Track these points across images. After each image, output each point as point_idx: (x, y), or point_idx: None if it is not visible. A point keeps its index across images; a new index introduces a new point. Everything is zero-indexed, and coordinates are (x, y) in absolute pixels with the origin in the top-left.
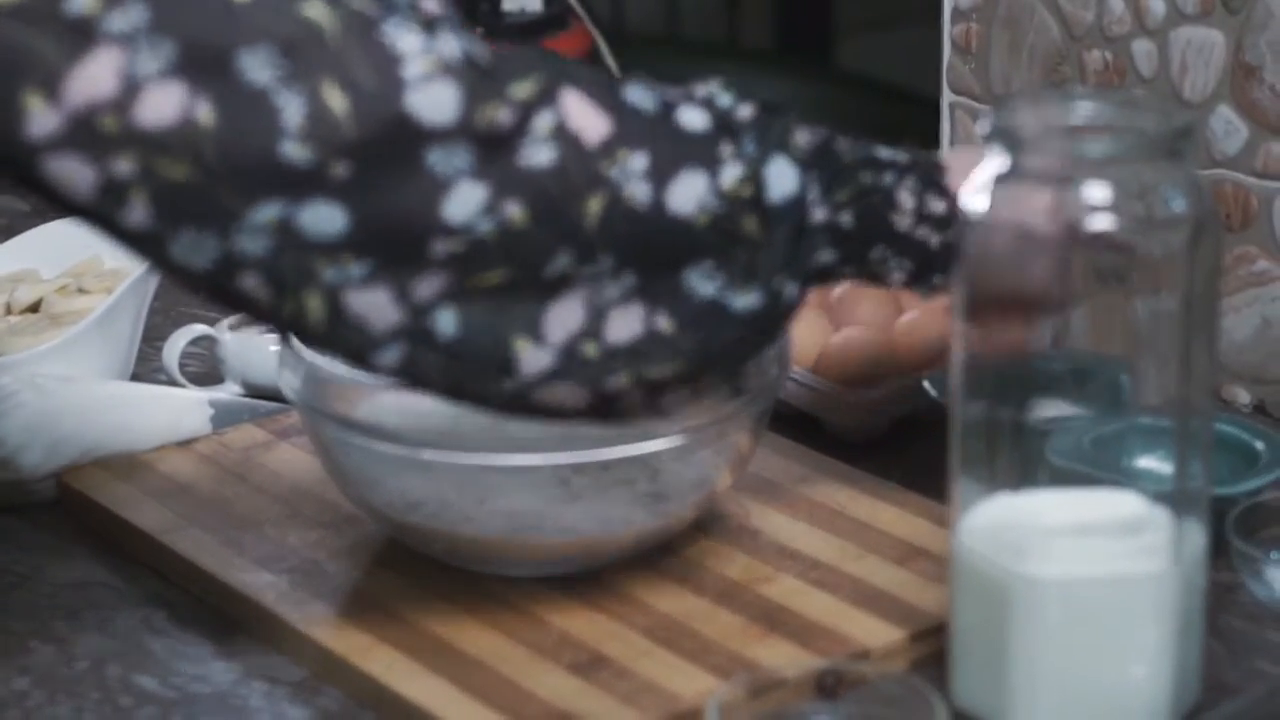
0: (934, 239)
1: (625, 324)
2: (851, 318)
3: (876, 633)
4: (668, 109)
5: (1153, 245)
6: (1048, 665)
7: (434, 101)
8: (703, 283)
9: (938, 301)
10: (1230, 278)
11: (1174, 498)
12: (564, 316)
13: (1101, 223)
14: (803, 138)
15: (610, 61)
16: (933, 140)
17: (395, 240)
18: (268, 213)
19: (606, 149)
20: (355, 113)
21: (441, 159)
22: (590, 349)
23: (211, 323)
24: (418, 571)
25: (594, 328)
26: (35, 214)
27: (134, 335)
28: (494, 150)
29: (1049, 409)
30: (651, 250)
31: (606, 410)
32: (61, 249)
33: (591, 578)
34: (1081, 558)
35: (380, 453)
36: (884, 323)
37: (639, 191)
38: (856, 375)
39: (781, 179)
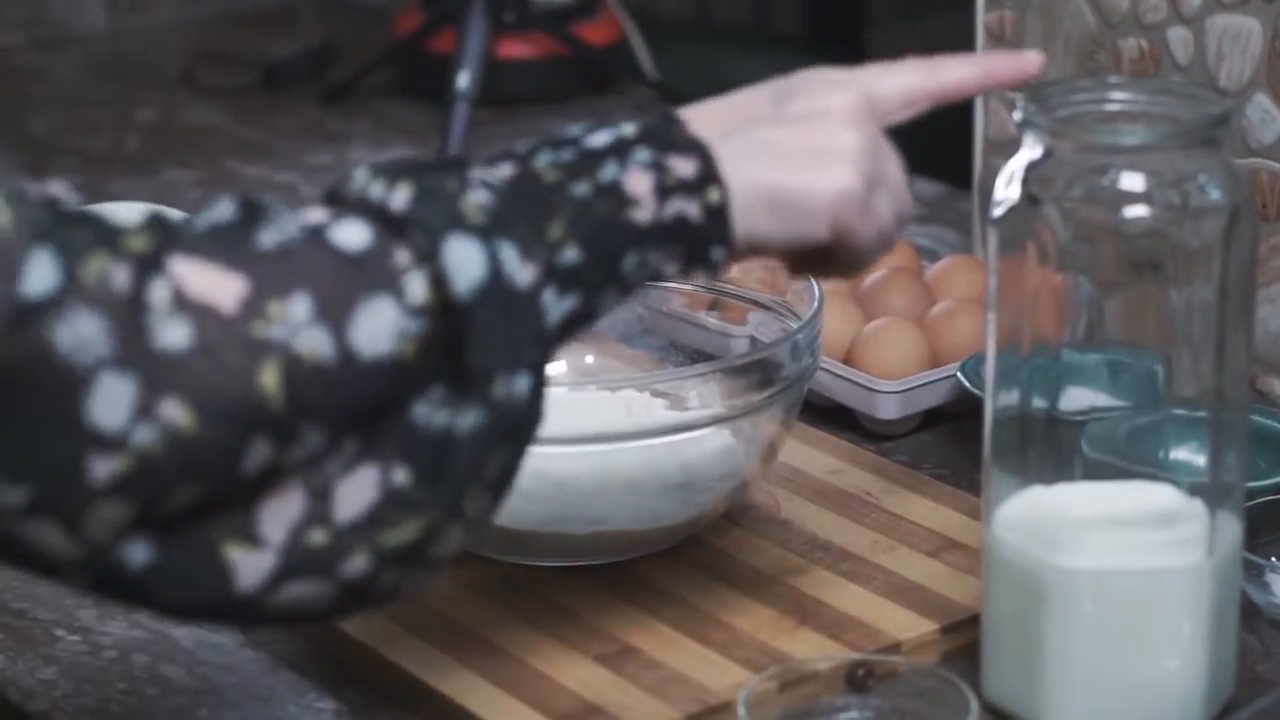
0: (693, 207)
1: (356, 495)
2: (883, 308)
3: (908, 625)
4: (315, 235)
5: (1188, 235)
6: (1081, 658)
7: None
8: (434, 414)
9: (972, 292)
10: (1266, 268)
11: (1209, 490)
12: (280, 510)
13: (1137, 211)
14: (479, 194)
15: (641, 50)
16: (966, 131)
17: (45, 461)
18: None
19: (250, 308)
20: None
21: (68, 334)
22: (318, 536)
23: None
24: None
25: (319, 511)
26: None
27: None
28: (125, 324)
29: (1083, 400)
30: (364, 403)
31: (358, 601)
32: None
33: (621, 569)
34: (1115, 550)
35: None
36: (916, 313)
37: (316, 342)
38: (888, 366)
39: (464, 263)
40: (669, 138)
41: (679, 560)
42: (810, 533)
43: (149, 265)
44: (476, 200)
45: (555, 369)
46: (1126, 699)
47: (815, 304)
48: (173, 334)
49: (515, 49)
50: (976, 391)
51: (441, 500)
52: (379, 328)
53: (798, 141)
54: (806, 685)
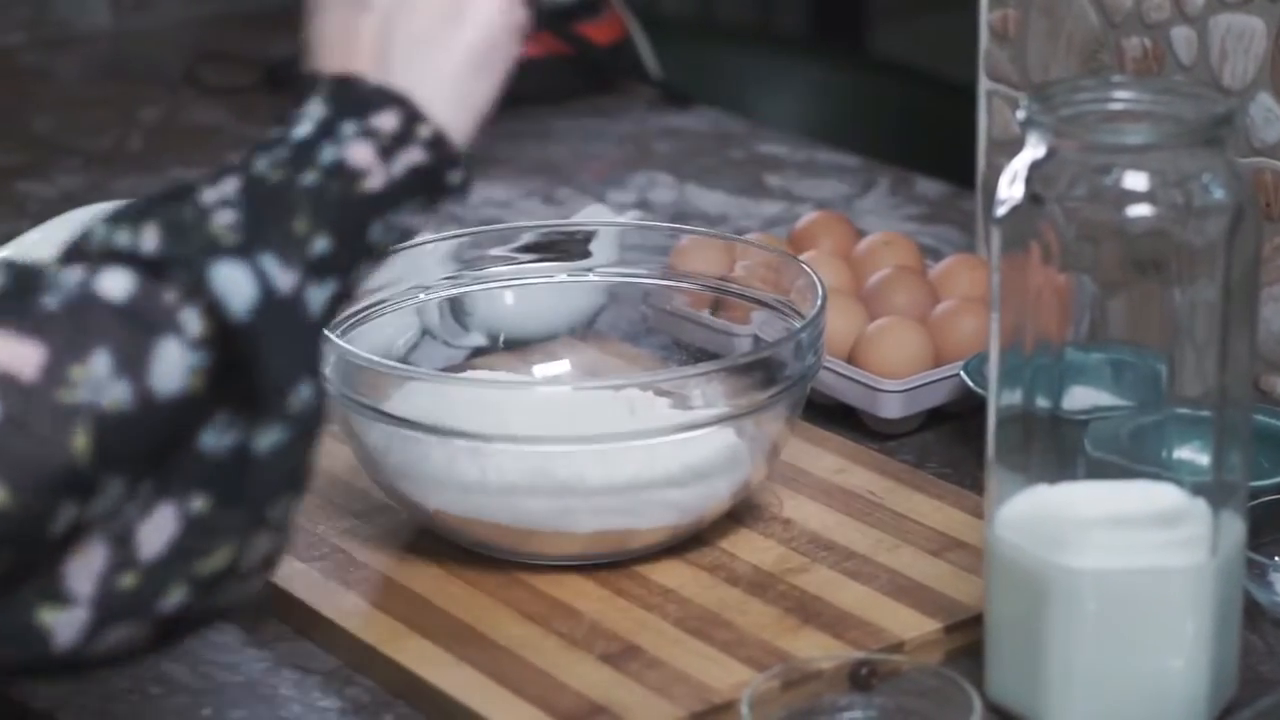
0: (416, 153)
1: (157, 531)
2: (887, 307)
3: (911, 624)
4: (86, 288)
5: (1191, 234)
6: (1084, 657)
7: None
8: (222, 438)
9: (975, 291)
10: (1270, 267)
11: (1212, 489)
12: (85, 564)
13: (1140, 211)
14: (225, 215)
15: (645, 49)
16: (970, 130)
17: None
18: None
19: (52, 375)
20: None
21: None
22: (128, 580)
23: None
24: (449, 561)
25: (124, 556)
26: (66, 199)
27: None
28: None
29: (1086, 400)
30: (159, 442)
31: (173, 637)
32: None
33: (624, 567)
34: (1119, 549)
35: (413, 441)
36: (919, 312)
37: (119, 395)
38: (892, 365)
39: (234, 286)
40: (357, 100)
41: (682, 559)
42: (813, 532)
43: None
44: (224, 221)
45: (559, 369)
46: (1129, 699)
47: (818, 303)
48: None
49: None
50: (980, 391)
51: (246, 519)
52: (171, 367)
53: (429, 12)
54: (810, 684)
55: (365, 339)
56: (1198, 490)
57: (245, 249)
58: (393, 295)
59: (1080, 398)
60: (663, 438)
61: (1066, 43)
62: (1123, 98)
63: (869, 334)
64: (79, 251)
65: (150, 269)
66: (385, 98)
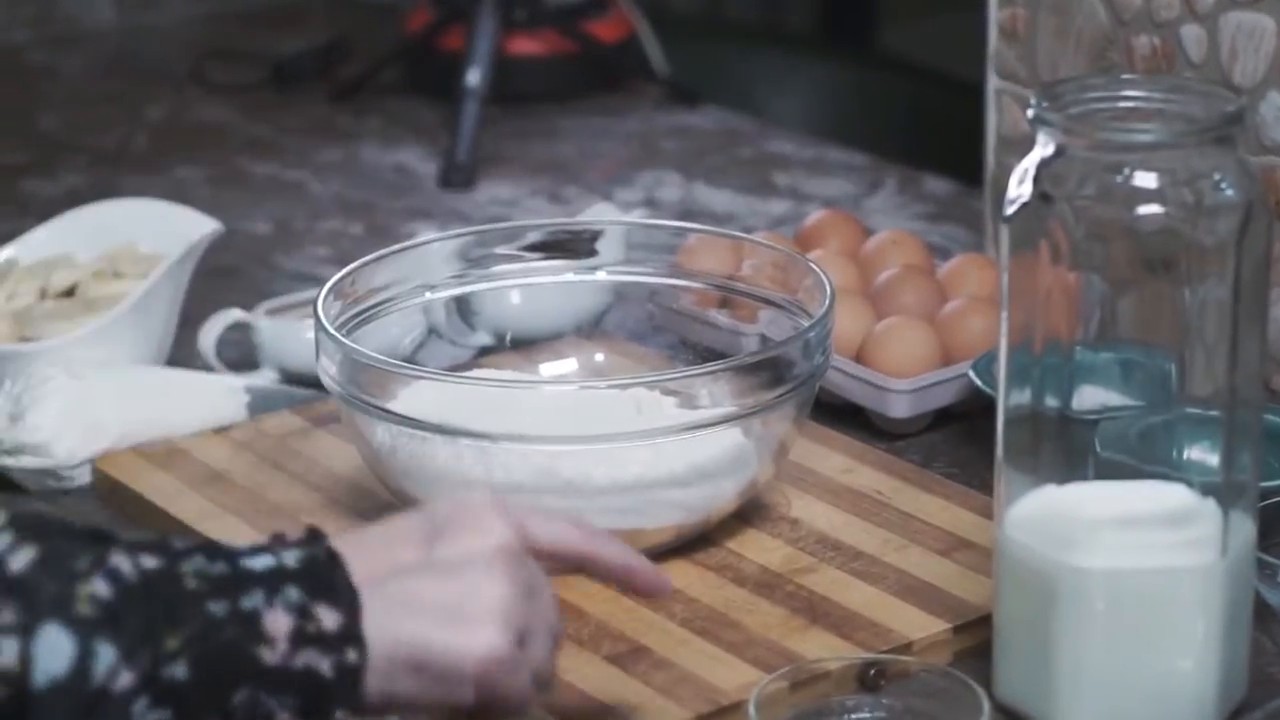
0: (326, 663)
1: None
2: (895, 306)
3: (919, 625)
4: None
5: (1201, 233)
6: (1093, 658)
7: None
8: None
9: (983, 290)
10: None
11: (1222, 490)
12: None
13: (1150, 209)
14: (101, 585)
15: (652, 47)
16: (978, 128)
17: None
18: None
19: None
20: None
21: None
22: None
23: (248, 308)
24: None
25: None
26: (71, 198)
27: (170, 321)
28: None
29: (1095, 399)
30: None
31: None
32: (97, 233)
33: None
34: (1128, 549)
35: (419, 440)
36: (928, 311)
37: None
38: (900, 364)
39: (51, 654)
40: (326, 582)
41: (689, 559)
42: (821, 532)
43: None
44: (94, 590)
45: (566, 368)
46: (1138, 699)
47: (827, 302)
48: None
49: (525, 46)
50: (988, 390)
51: None
52: None
53: (445, 596)
54: (818, 685)
55: (371, 338)
56: (1207, 490)
57: (92, 626)
58: (399, 294)
59: (1089, 397)
60: (669, 437)
61: (1075, 41)
62: (1132, 96)
63: (877, 333)
64: None
65: (2, 583)
66: (347, 600)
